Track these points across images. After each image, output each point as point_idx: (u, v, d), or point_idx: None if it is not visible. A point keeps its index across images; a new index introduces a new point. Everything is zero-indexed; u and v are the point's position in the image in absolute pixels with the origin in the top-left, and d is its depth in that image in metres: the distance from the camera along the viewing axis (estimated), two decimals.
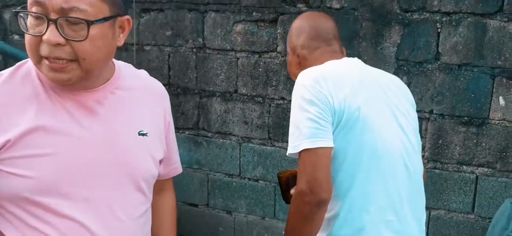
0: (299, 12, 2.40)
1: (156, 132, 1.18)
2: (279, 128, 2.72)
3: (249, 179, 2.85)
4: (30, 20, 0.96)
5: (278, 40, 2.63)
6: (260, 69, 2.70)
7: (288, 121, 2.62)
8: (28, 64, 1.06)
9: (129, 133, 1.12)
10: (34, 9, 0.93)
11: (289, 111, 2.60)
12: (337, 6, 2.48)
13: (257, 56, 2.69)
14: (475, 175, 2.40)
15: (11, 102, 1.01)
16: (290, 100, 2.58)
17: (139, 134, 1.14)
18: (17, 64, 1.06)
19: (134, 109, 1.14)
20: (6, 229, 1.00)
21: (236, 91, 2.78)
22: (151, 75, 1.28)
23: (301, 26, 1.58)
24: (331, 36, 1.56)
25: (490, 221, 2.22)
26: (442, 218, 2.46)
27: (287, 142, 2.88)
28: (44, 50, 0.94)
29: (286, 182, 1.59)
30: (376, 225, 1.36)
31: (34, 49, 0.96)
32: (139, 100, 1.16)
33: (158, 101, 1.23)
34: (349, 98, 1.35)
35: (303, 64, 1.56)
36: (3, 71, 1.05)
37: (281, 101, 2.69)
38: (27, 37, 0.96)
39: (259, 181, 2.83)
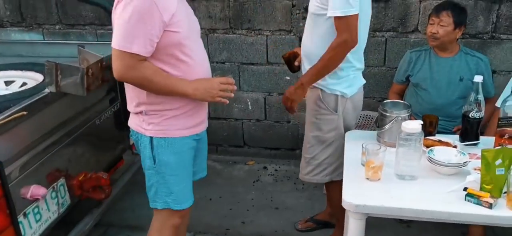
0: None
1: None
2: (238, 19, 3.43)
3: (216, 62, 3.59)
4: None
5: None
6: None
7: (245, 12, 3.36)
8: None
9: None
10: None
11: (245, 5, 3.31)
12: None
13: None
14: (384, 38, 3.30)
15: None
16: None
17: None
18: None
19: None
20: (164, 67, 1.78)
21: None
22: None
23: None
24: None
25: (396, 69, 3.15)
26: (363, 72, 3.36)
27: (245, 29, 3.66)
28: None
29: (288, 58, 2.44)
30: None
31: None
32: None
33: None
34: None
35: None
36: None
37: None
38: None
39: (225, 63, 3.58)
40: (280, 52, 3.26)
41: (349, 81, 2.29)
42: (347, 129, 2.37)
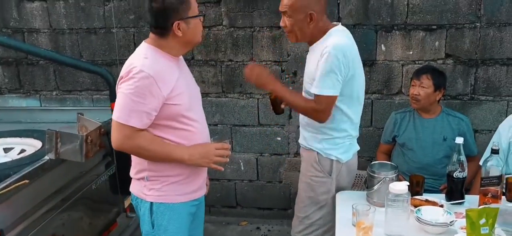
0: None
1: None
2: (230, 83, 3.57)
3: (210, 124, 3.64)
4: None
5: (223, 17, 3.43)
6: (211, 40, 3.49)
7: (237, 77, 3.48)
8: (153, 50, 1.87)
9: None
10: None
11: (236, 70, 3.43)
12: None
13: (207, 29, 3.47)
14: (371, 100, 3.45)
15: (165, 69, 1.86)
16: (237, 61, 3.44)
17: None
18: (144, 54, 1.85)
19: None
20: (162, 134, 1.89)
21: (193, 58, 3.56)
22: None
23: None
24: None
25: (383, 129, 3.27)
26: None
27: (237, 93, 3.76)
28: None
29: (275, 99, 2.44)
30: None
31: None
32: None
33: None
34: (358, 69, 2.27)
35: (314, 26, 2.21)
36: (144, 55, 1.85)
37: (229, 63, 3.53)
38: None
39: (218, 125, 3.69)
40: (271, 114, 3.38)
41: (345, 147, 2.36)
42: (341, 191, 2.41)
